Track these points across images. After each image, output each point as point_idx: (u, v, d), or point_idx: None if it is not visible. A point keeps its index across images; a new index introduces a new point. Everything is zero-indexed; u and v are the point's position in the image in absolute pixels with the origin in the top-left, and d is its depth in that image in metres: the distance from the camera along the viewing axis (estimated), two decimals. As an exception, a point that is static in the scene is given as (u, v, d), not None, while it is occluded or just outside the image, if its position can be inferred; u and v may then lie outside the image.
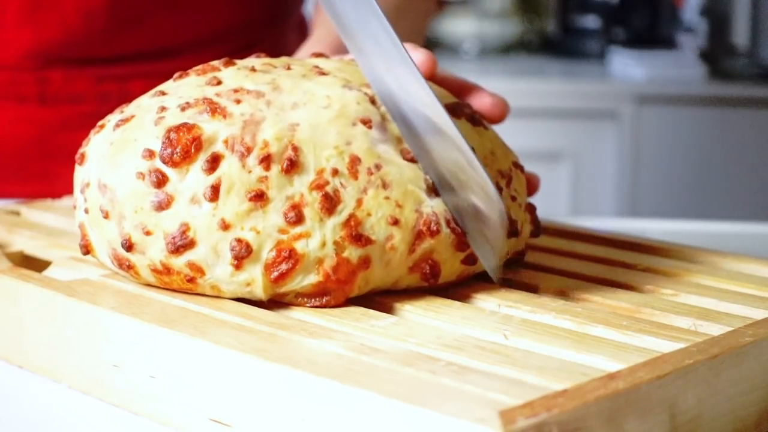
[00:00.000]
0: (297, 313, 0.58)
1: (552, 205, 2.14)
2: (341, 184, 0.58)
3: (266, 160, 0.58)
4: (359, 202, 0.58)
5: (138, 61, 1.02)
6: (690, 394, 0.48)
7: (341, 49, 0.86)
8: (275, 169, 0.58)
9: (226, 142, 0.59)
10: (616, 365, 0.50)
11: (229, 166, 0.58)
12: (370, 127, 0.61)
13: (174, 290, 0.59)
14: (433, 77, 0.70)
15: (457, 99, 0.69)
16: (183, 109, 0.61)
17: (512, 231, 0.64)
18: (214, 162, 0.58)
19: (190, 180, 0.58)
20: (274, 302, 0.59)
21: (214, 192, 0.57)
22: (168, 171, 0.58)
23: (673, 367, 0.48)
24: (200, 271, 0.58)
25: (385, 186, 0.59)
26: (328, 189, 0.58)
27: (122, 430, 0.55)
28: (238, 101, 0.60)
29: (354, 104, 0.61)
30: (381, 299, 0.60)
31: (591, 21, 2.46)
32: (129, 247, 0.59)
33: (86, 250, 0.62)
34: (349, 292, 0.58)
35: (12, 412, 0.58)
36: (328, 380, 0.47)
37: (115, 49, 1.01)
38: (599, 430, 0.45)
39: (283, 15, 1.12)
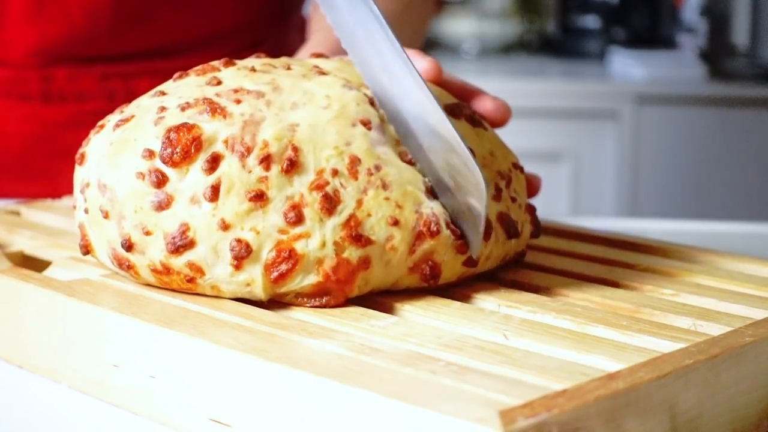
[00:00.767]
0: (297, 313, 0.58)
1: (552, 205, 2.14)
2: (341, 184, 0.58)
3: (266, 160, 0.58)
4: (359, 202, 0.58)
5: (143, 59, 1.02)
6: (690, 394, 0.48)
7: (340, 52, 0.86)
8: (275, 169, 0.58)
9: (226, 142, 0.59)
10: (616, 365, 0.50)
11: (229, 166, 0.58)
12: (369, 129, 0.61)
13: (174, 290, 0.59)
14: (438, 83, 0.70)
15: (458, 100, 0.69)
16: (183, 109, 0.61)
17: (513, 232, 0.64)
18: (214, 162, 0.58)
19: (190, 180, 0.58)
20: (274, 302, 0.59)
21: (214, 192, 0.57)
22: (168, 171, 0.58)
23: (673, 367, 0.48)
24: (200, 271, 0.58)
25: (385, 187, 0.59)
26: (328, 189, 0.58)
27: (122, 430, 0.55)
28: (238, 101, 0.60)
29: (353, 105, 0.61)
30: (381, 299, 0.60)
31: (591, 21, 2.46)
32: (129, 247, 0.59)
33: (86, 250, 0.62)
34: (349, 292, 0.58)
35: (12, 412, 0.58)
36: (328, 380, 0.47)
37: (121, 47, 1.01)
38: (599, 430, 0.45)
39: (285, 14, 1.12)
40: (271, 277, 0.57)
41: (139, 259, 0.59)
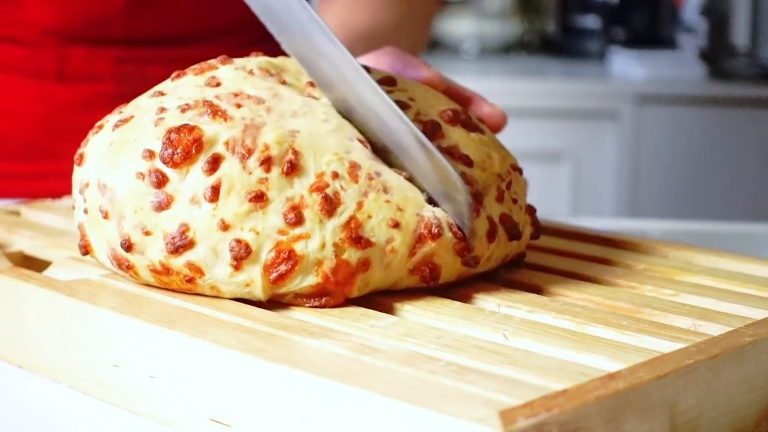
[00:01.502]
0: (297, 313, 0.58)
1: (552, 205, 2.14)
2: (341, 186, 0.58)
3: (267, 162, 0.58)
4: (360, 204, 0.58)
5: (157, 45, 1.03)
6: (690, 394, 0.49)
7: None
8: (276, 171, 0.58)
9: (226, 143, 0.59)
10: (616, 365, 0.50)
11: (229, 167, 0.58)
12: (366, 146, 0.61)
13: (173, 290, 0.59)
14: (441, 92, 0.71)
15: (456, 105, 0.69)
16: (183, 110, 0.61)
17: (514, 234, 0.64)
18: (215, 163, 0.58)
19: (191, 180, 0.58)
20: (274, 302, 0.59)
21: (214, 192, 0.58)
22: (168, 171, 0.58)
23: (673, 367, 0.48)
24: (199, 271, 0.58)
25: (386, 190, 0.59)
26: (329, 191, 0.58)
27: (122, 430, 0.55)
28: (238, 105, 0.61)
29: (349, 126, 0.62)
30: (381, 299, 0.60)
31: (591, 21, 2.46)
32: (128, 247, 0.59)
33: (85, 250, 0.62)
34: (349, 293, 0.58)
35: (12, 412, 0.58)
36: (328, 380, 0.47)
37: (134, 31, 1.02)
38: (599, 430, 0.45)
39: None
40: (271, 277, 0.57)
41: (139, 260, 0.59)
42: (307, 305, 0.58)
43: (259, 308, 0.58)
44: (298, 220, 0.57)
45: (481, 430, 0.42)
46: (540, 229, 0.68)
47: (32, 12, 1.00)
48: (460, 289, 0.62)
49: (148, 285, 0.60)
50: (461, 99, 0.73)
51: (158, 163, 0.59)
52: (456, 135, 0.64)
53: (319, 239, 0.57)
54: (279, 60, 0.66)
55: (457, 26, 2.51)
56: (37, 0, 1.00)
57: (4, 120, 1.04)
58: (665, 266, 0.68)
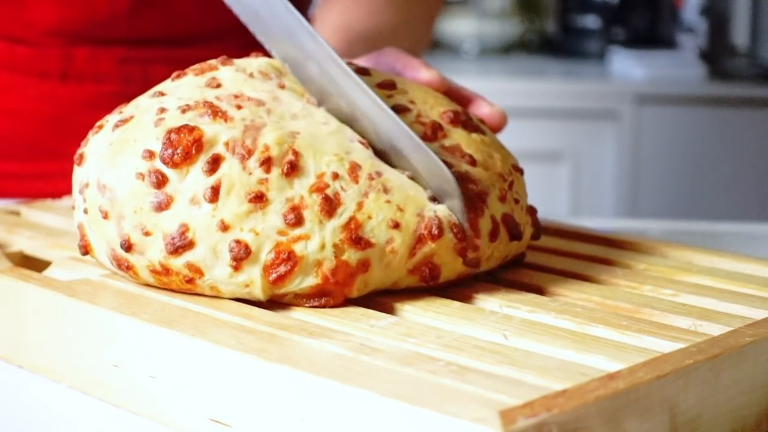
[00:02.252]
0: (297, 314, 0.58)
1: (552, 205, 2.14)
2: (342, 187, 0.58)
3: (267, 163, 0.58)
4: (360, 205, 0.58)
5: (161, 46, 1.03)
6: (690, 394, 0.49)
7: None
8: (275, 171, 0.58)
9: (227, 144, 0.59)
10: (616, 365, 0.50)
11: (229, 167, 0.58)
12: (367, 147, 0.61)
13: (173, 290, 0.59)
14: (442, 90, 0.71)
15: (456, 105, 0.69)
16: (183, 111, 0.61)
17: (516, 234, 0.64)
18: (215, 163, 0.58)
19: (190, 181, 0.58)
20: (275, 302, 0.59)
21: (214, 193, 0.58)
22: (168, 172, 0.58)
23: (673, 367, 0.48)
24: (199, 272, 0.58)
25: (386, 190, 0.59)
26: (329, 192, 0.58)
27: (122, 430, 0.55)
28: (239, 107, 0.61)
29: (349, 130, 0.62)
30: (381, 299, 0.60)
31: (591, 21, 2.46)
32: (128, 247, 0.59)
33: (85, 250, 0.62)
34: (348, 294, 0.58)
35: (12, 412, 0.58)
36: (328, 380, 0.47)
37: (138, 32, 1.02)
38: (599, 430, 0.45)
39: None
40: (270, 278, 0.57)
41: (138, 260, 0.59)
42: (307, 305, 0.58)
43: (259, 308, 0.58)
44: (298, 221, 0.57)
45: (481, 430, 0.42)
46: (540, 229, 0.68)
47: (36, 12, 1.00)
48: (460, 289, 0.62)
49: (148, 285, 0.60)
50: (461, 99, 0.73)
51: (158, 164, 0.59)
52: (457, 136, 0.64)
53: (318, 240, 0.57)
54: (279, 62, 0.66)
55: (457, 26, 2.51)
56: (41, 0, 1.00)
57: (8, 119, 1.04)
58: (665, 266, 0.68)
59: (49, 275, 0.65)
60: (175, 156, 0.58)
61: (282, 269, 0.57)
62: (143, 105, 0.63)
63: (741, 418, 0.52)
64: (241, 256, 0.57)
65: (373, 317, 0.57)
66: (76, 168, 0.64)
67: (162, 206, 0.58)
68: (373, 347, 0.51)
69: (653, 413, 0.47)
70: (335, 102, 0.62)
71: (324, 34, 1.02)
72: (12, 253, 0.70)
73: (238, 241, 0.57)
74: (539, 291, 0.63)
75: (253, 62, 0.66)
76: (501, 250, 0.63)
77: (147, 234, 0.58)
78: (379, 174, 0.60)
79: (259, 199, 0.57)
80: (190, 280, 0.58)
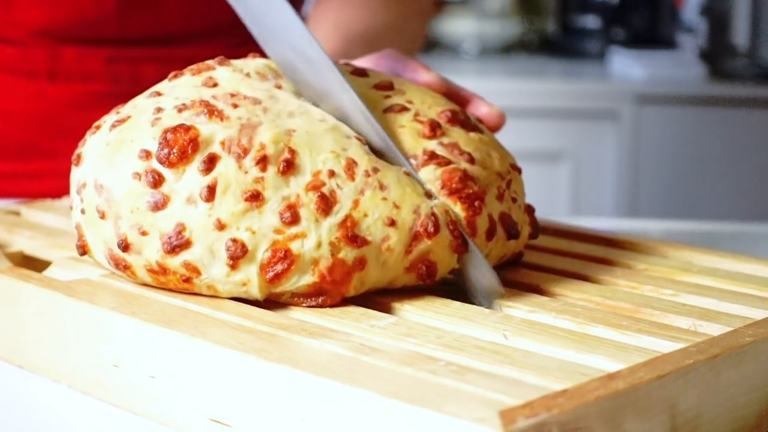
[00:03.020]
0: (297, 313, 0.58)
1: (552, 205, 2.14)
2: (338, 185, 0.58)
3: (263, 162, 0.58)
4: (356, 202, 0.58)
5: (149, 45, 1.03)
6: (690, 394, 0.49)
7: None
8: (271, 170, 0.58)
9: (222, 143, 0.59)
10: (616, 365, 0.50)
11: (225, 166, 0.58)
12: (364, 144, 0.61)
13: (171, 290, 0.59)
14: (442, 94, 0.71)
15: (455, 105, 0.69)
16: (180, 110, 0.61)
17: (513, 233, 0.64)
18: (211, 163, 0.58)
19: (187, 180, 0.58)
20: (274, 302, 0.59)
21: (210, 192, 0.58)
22: (164, 171, 0.58)
23: (673, 367, 0.48)
24: (196, 271, 0.58)
25: (382, 187, 0.59)
26: (325, 190, 0.58)
27: (122, 430, 0.55)
28: (235, 105, 0.61)
29: (346, 126, 0.62)
30: (380, 299, 0.60)
31: (591, 21, 2.46)
32: (125, 247, 0.59)
33: (83, 250, 0.62)
34: (345, 292, 0.58)
35: (12, 412, 0.58)
36: (328, 380, 0.47)
37: (126, 31, 1.02)
38: (599, 430, 0.45)
39: None
40: (267, 277, 0.57)
41: (136, 260, 0.59)
42: (304, 305, 0.58)
43: (258, 308, 0.58)
44: (294, 219, 0.57)
45: (481, 430, 0.42)
46: (538, 229, 0.68)
47: (23, 12, 1.00)
48: (460, 289, 0.62)
49: (147, 285, 0.60)
50: (459, 99, 0.73)
51: (155, 163, 0.59)
52: (455, 134, 0.64)
53: (315, 238, 0.57)
54: (275, 63, 0.66)
55: (457, 26, 2.51)
56: (28, 0, 1.00)
57: None
58: (665, 266, 0.68)
59: (49, 275, 0.65)
60: (171, 155, 0.58)
61: (279, 268, 0.57)
62: (140, 105, 0.63)
63: (741, 418, 0.52)
64: (238, 254, 0.57)
65: (373, 317, 0.57)
66: (73, 168, 0.64)
67: (159, 206, 0.58)
68: (373, 347, 0.51)
69: (653, 413, 0.47)
70: (330, 104, 0.63)
71: (320, 35, 1.02)
72: (12, 253, 0.70)
73: (234, 240, 0.57)
74: (539, 291, 0.63)
75: (251, 63, 0.66)
76: (498, 248, 0.63)
77: (144, 234, 0.58)
78: (375, 170, 0.60)
79: (255, 197, 0.57)
80: (188, 280, 0.58)
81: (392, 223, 0.59)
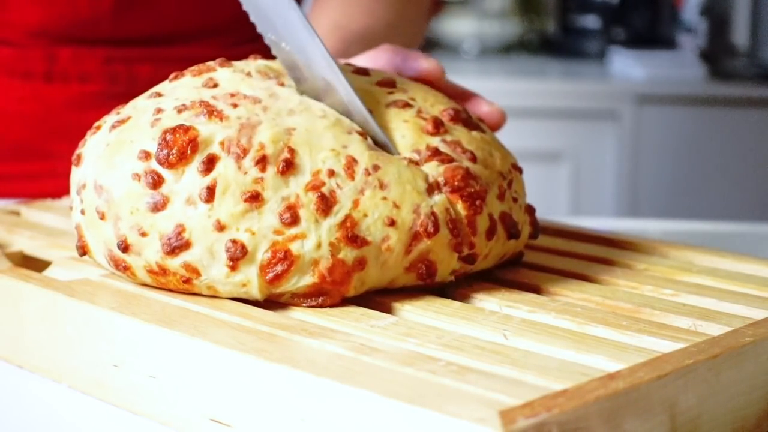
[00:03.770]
0: (297, 313, 0.58)
1: (552, 205, 2.14)
2: (337, 184, 0.58)
3: (262, 162, 0.58)
4: (356, 202, 0.58)
5: (145, 45, 1.03)
6: (690, 394, 0.48)
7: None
8: (271, 170, 0.58)
9: (222, 143, 0.59)
10: (616, 365, 0.50)
11: (224, 167, 0.58)
12: (366, 138, 0.61)
13: (172, 290, 0.59)
14: (439, 85, 0.71)
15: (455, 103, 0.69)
16: (179, 111, 0.61)
17: (513, 233, 0.64)
18: (210, 163, 0.58)
19: (186, 181, 0.58)
20: (274, 302, 0.59)
21: (210, 193, 0.58)
22: (164, 172, 0.58)
23: (673, 367, 0.48)
24: (196, 272, 0.58)
25: (382, 186, 0.59)
26: (324, 190, 0.58)
27: (122, 430, 0.55)
28: (234, 105, 0.61)
29: (348, 121, 0.62)
30: (380, 299, 0.60)
31: (591, 21, 2.46)
32: (125, 248, 0.59)
33: (83, 251, 0.62)
34: (345, 292, 0.58)
35: (12, 412, 0.58)
36: (328, 380, 0.47)
37: (122, 31, 1.02)
38: (599, 430, 0.45)
39: None
40: (267, 277, 0.57)
41: (135, 260, 0.59)
42: (304, 305, 0.58)
43: (258, 308, 0.58)
44: (294, 220, 0.57)
45: (481, 430, 0.42)
46: (539, 229, 0.68)
47: (19, 13, 1.00)
48: (459, 289, 0.62)
49: (147, 285, 0.60)
50: (460, 98, 0.73)
51: (154, 164, 0.59)
52: (458, 133, 0.64)
53: (314, 239, 0.57)
54: (277, 64, 0.66)
55: (457, 26, 2.51)
56: (24, 1, 1.00)
57: None
58: (665, 266, 0.68)
59: (49, 275, 0.65)
60: (171, 156, 0.58)
61: (278, 268, 0.57)
62: (140, 106, 0.63)
63: (741, 418, 0.52)
64: (238, 255, 0.57)
65: (373, 317, 0.57)
66: (73, 169, 0.64)
67: (158, 207, 0.58)
68: (373, 347, 0.51)
69: (653, 413, 0.47)
70: (331, 99, 0.63)
71: (319, 33, 1.02)
72: (12, 253, 0.70)
73: (234, 241, 0.57)
74: (539, 291, 0.63)
75: (252, 63, 0.66)
76: (498, 248, 0.63)
77: (143, 234, 0.58)
78: (376, 168, 0.59)
79: (254, 198, 0.57)
80: (187, 281, 0.58)
81: (392, 223, 0.59)
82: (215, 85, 0.63)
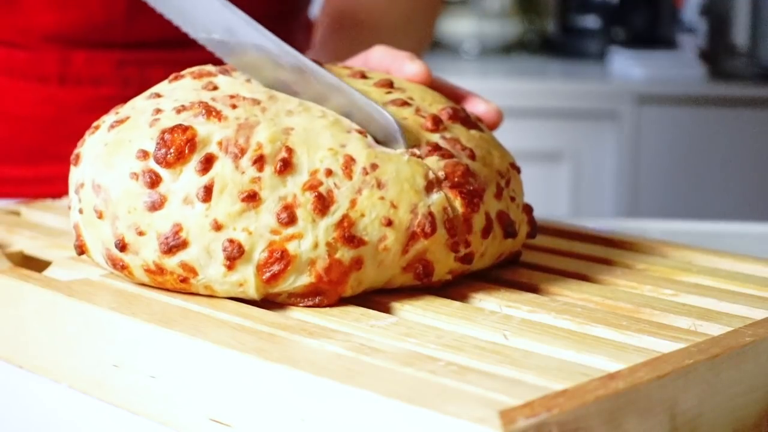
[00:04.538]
0: (297, 313, 0.58)
1: (552, 205, 2.14)
2: (335, 184, 0.58)
3: (259, 161, 0.58)
4: (353, 202, 0.58)
5: (157, 48, 1.03)
6: (690, 394, 0.48)
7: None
8: (268, 170, 0.58)
9: (220, 143, 0.59)
10: (616, 365, 0.50)
11: (222, 166, 0.58)
12: (365, 136, 0.61)
13: (169, 290, 0.59)
14: (436, 84, 0.71)
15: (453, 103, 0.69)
16: (178, 111, 0.61)
17: (510, 232, 0.64)
18: (208, 163, 0.58)
19: (184, 180, 0.58)
20: (274, 302, 0.59)
21: (207, 192, 0.58)
22: (161, 171, 0.58)
23: (673, 367, 0.48)
24: (193, 271, 0.58)
25: (380, 186, 0.59)
26: (322, 189, 0.58)
27: (122, 430, 0.55)
28: (233, 106, 0.61)
29: (347, 120, 0.62)
30: (380, 299, 0.60)
31: (591, 21, 2.46)
32: (122, 247, 0.59)
33: (81, 250, 0.62)
34: (342, 292, 0.58)
35: (12, 412, 0.58)
36: (328, 380, 0.47)
37: (135, 35, 1.02)
38: (599, 430, 0.45)
39: (292, 12, 1.13)
40: (264, 277, 0.57)
41: (133, 260, 0.59)
42: (301, 305, 0.58)
43: (258, 308, 0.58)
44: (291, 220, 0.57)
45: (481, 430, 0.42)
46: (536, 228, 0.68)
47: (34, 17, 1.00)
48: (459, 289, 0.62)
49: (146, 285, 0.60)
50: (456, 98, 0.73)
51: (152, 163, 0.59)
52: (457, 131, 0.64)
53: (311, 239, 0.57)
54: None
55: (457, 26, 2.51)
56: (39, 5, 1.00)
57: (7, 124, 1.04)
58: (665, 266, 0.68)
59: (49, 275, 0.65)
60: (168, 156, 0.58)
61: (275, 268, 0.57)
62: (139, 106, 0.63)
63: (741, 418, 0.52)
64: (235, 255, 0.57)
65: (373, 317, 0.57)
66: (72, 168, 0.64)
67: (155, 206, 0.58)
68: (373, 347, 0.51)
69: (653, 413, 0.47)
70: (330, 104, 0.63)
71: (326, 33, 1.02)
72: (12, 253, 0.70)
73: (231, 241, 0.57)
74: (539, 291, 0.63)
75: None
76: (495, 247, 0.63)
77: (141, 234, 0.58)
78: (374, 167, 0.59)
79: (251, 198, 0.57)
80: (185, 280, 0.58)
81: (389, 223, 0.59)
82: (215, 88, 0.63)
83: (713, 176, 2.16)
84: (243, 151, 0.58)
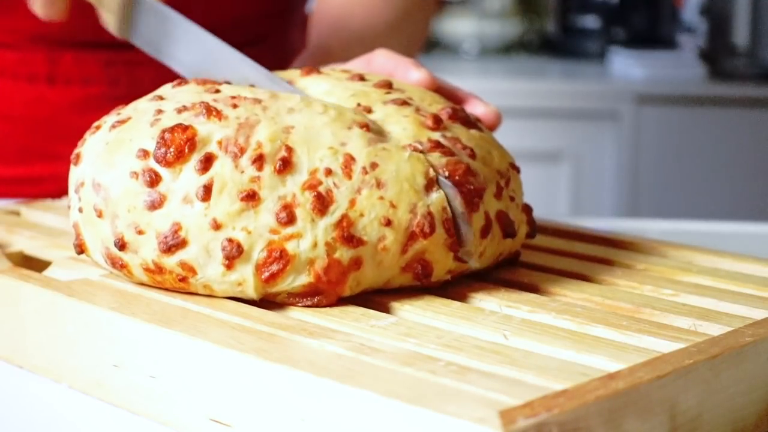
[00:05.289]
0: (297, 313, 0.58)
1: (552, 205, 2.14)
2: (334, 184, 0.58)
3: (259, 161, 0.58)
4: (352, 202, 0.58)
5: None
6: (690, 394, 0.49)
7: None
8: (268, 169, 0.58)
9: (220, 143, 0.59)
10: (616, 365, 0.50)
11: (221, 166, 0.58)
12: (367, 130, 0.61)
13: (168, 289, 0.60)
14: (432, 90, 0.71)
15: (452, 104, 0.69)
16: (179, 111, 0.61)
17: (510, 232, 0.64)
18: (207, 162, 0.58)
19: (183, 180, 0.58)
20: (274, 302, 0.59)
21: (207, 192, 0.58)
22: (161, 170, 0.59)
23: (673, 367, 0.48)
24: (192, 270, 0.58)
25: (379, 185, 0.59)
26: (321, 189, 0.58)
27: (122, 430, 0.55)
28: (235, 106, 0.61)
29: (350, 112, 0.62)
30: (380, 299, 0.60)
31: (591, 21, 2.46)
32: (122, 246, 0.59)
33: (80, 249, 0.62)
34: (341, 292, 0.58)
35: (12, 412, 0.58)
36: (328, 380, 0.47)
37: None
38: (599, 430, 0.45)
39: (288, 10, 1.13)
40: (263, 277, 0.57)
41: (132, 259, 0.59)
42: (300, 305, 0.58)
43: (258, 308, 0.58)
44: (290, 220, 0.57)
45: (481, 430, 0.42)
46: (536, 228, 0.68)
47: (21, 17, 1.00)
48: (459, 289, 0.62)
49: (145, 284, 0.60)
50: (455, 99, 0.74)
51: (152, 163, 0.59)
52: (457, 130, 0.64)
53: (311, 238, 0.57)
54: (277, 73, 0.66)
55: (457, 26, 2.51)
56: (26, 6, 1.00)
57: None
58: (665, 266, 0.68)
59: (49, 275, 0.65)
60: (168, 155, 0.58)
61: (274, 268, 0.57)
62: (141, 107, 0.63)
63: (741, 418, 0.52)
64: (234, 254, 0.57)
65: (373, 317, 0.57)
66: (72, 167, 0.64)
67: (155, 205, 0.58)
68: (373, 347, 0.51)
69: (653, 413, 0.47)
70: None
71: (321, 32, 1.02)
72: (12, 253, 0.70)
73: (230, 240, 0.57)
74: (539, 291, 0.63)
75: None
76: (494, 247, 0.63)
77: (140, 233, 0.58)
78: (374, 166, 0.59)
79: (251, 197, 0.57)
80: (184, 279, 0.58)
81: (388, 223, 0.59)
82: (217, 91, 0.63)
83: (713, 176, 2.16)
84: (243, 151, 0.58)
